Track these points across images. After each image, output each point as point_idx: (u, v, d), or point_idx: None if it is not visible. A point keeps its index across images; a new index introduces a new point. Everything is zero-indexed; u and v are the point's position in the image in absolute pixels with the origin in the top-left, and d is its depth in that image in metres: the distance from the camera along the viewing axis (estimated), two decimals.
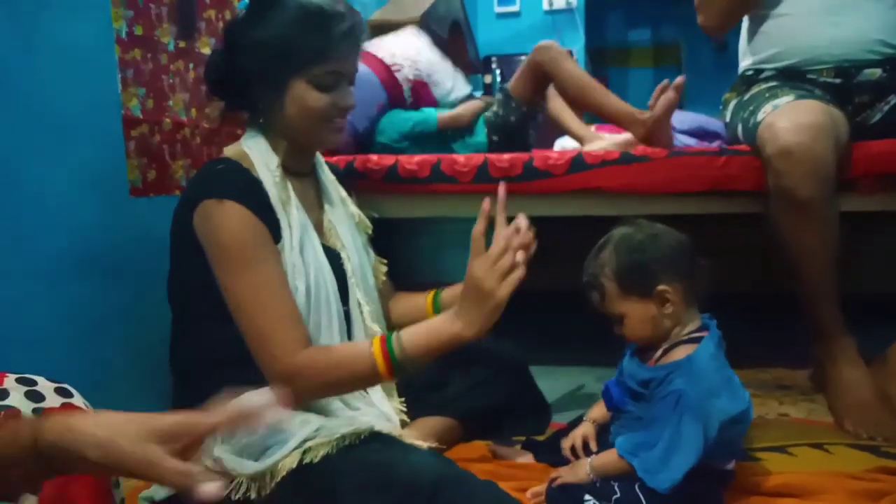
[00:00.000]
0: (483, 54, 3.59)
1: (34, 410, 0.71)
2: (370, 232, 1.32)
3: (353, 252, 1.22)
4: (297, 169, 1.18)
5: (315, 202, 1.22)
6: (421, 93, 2.10)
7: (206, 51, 1.59)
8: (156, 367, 1.34)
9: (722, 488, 1.07)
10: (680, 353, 1.05)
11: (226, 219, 1.03)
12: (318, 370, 1.01)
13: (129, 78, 1.33)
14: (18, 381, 0.75)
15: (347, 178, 1.49)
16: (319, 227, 1.19)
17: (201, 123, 1.57)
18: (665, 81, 1.68)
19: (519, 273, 0.97)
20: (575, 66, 1.91)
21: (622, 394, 1.11)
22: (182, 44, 1.49)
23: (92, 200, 1.24)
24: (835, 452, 1.27)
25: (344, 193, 1.30)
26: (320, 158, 1.27)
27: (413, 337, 1.01)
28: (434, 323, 1.03)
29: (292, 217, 1.10)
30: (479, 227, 1.00)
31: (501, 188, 1.04)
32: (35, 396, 0.73)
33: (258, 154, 1.12)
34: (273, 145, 1.14)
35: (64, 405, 0.73)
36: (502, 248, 0.98)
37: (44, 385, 0.75)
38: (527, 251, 1.00)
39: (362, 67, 1.97)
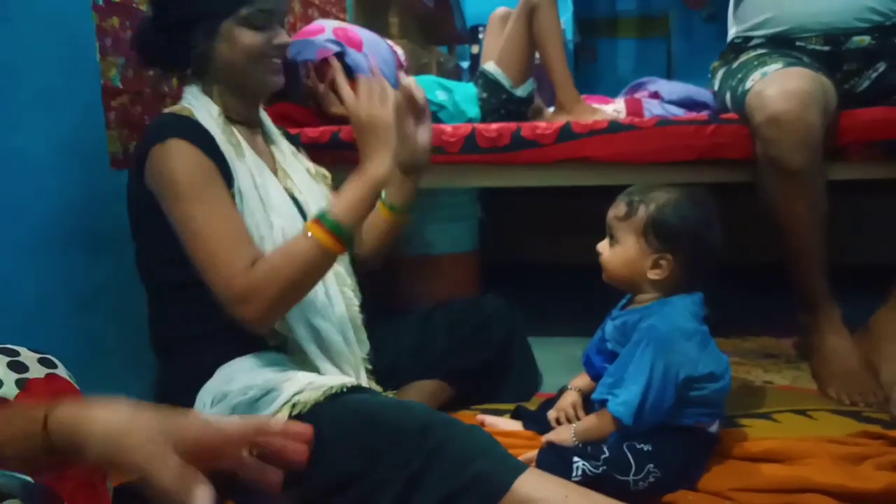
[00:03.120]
0: (470, 24, 3.55)
1: (17, 381, 0.70)
2: (330, 182, 1.31)
3: (310, 198, 1.20)
4: (242, 119, 1.17)
5: (266, 150, 1.21)
6: None
7: None
8: (143, 341, 1.33)
9: (707, 453, 1.09)
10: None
11: (171, 157, 1.01)
12: (268, 277, 0.98)
13: (108, 46, 1.30)
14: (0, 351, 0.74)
15: (335, 149, 1.47)
16: (273, 174, 1.18)
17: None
18: None
19: (389, 91, 1.12)
20: (557, 18, 1.94)
21: (604, 361, 1.13)
22: None
23: (73, 172, 1.21)
24: (818, 418, 1.29)
25: (295, 148, 1.29)
26: (264, 113, 1.26)
27: (339, 202, 1.04)
28: (350, 180, 1.07)
29: (247, 160, 1.09)
30: (338, 72, 1.21)
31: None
32: (18, 367, 0.72)
33: (200, 106, 1.11)
34: (213, 96, 1.13)
35: (48, 376, 0.73)
36: (365, 79, 1.11)
37: (26, 355, 0.74)
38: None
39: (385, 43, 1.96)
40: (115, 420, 0.56)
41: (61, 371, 0.75)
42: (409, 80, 1.24)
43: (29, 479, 0.58)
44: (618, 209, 1.12)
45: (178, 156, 1.02)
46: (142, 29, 1.16)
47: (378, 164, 1.06)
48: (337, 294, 1.16)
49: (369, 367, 1.19)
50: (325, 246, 0.99)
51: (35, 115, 1.13)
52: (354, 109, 1.11)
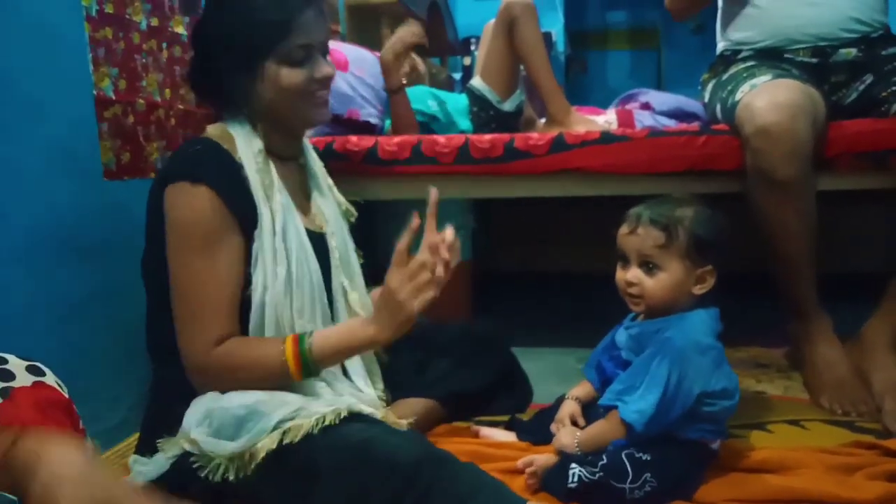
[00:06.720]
0: (462, 36, 3.57)
1: (2, 390, 0.69)
2: (353, 220, 1.31)
3: (340, 238, 1.20)
4: (283, 153, 1.17)
5: (301, 187, 1.20)
6: None
7: (180, 30, 1.55)
8: (132, 352, 1.32)
9: (705, 467, 1.09)
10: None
11: (193, 202, 1.02)
12: (224, 366, 1.01)
13: (101, 57, 1.29)
14: None
15: (326, 159, 1.47)
16: (305, 212, 1.18)
17: (176, 104, 1.54)
18: None
19: (432, 293, 1.01)
20: (537, 29, 1.91)
21: (615, 367, 1.13)
22: (155, 22, 1.45)
23: (65, 183, 1.21)
24: (811, 428, 1.29)
25: (331, 181, 1.28)
26: (308, 144, 1.26)
27: (326, 340, 1.03)
28: (348, 326, 1.07)
29: (275, 202, 1.08)
30: (403, 243, 1.02)
31: (433, 194, 1.05)
32: (4, 375, 0.70)
33: (242, 137, 1.10)
34: (257, 130, 1.12)
35: (35, 384, 0.71)
36: (421, 264, 1.01)
37: (14, 363, 0.72)
38: (447, 268, 1.02)
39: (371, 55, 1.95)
40: (57, 472, 0.56)
41: (49, 379, 0.74)
42: (449, 233, 1.07)
43: (13, 498, 0.57)
44: (652, 238, 1.07)
45: (198, 205, 1.02)
46: (191, 67, 1.16)
47: (381, 334, 1.03)
48: None
49: (383, 405, 1.18)
50: (290, 373, 1.01)
51: (27, 124, 1.13)
52: (397, 283, 1.02)
